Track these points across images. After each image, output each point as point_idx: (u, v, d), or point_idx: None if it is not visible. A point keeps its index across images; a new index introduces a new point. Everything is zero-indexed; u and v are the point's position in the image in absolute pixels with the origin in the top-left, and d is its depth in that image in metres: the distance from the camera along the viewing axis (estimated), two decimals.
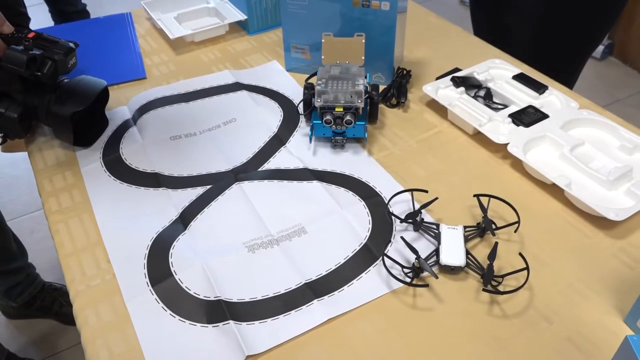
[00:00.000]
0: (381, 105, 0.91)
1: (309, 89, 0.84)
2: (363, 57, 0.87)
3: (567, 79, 1.02)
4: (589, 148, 0.79)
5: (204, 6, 1.16)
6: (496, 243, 0.65)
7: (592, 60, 2.43)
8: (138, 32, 1.14)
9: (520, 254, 0.64)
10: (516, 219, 0.69)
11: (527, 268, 0.62)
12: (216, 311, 0.61)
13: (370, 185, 0.77)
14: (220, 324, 0.60)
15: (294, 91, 0.95)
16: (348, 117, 0.78)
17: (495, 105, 0.88)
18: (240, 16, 1.10)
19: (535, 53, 1.04)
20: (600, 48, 2.40)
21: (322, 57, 0.88)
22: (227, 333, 0.59)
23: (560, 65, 1.01)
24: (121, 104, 0.94)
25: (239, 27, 1.13)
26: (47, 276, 1.51)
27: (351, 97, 0.79)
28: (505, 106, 0.88)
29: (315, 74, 0.86)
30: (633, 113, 2.15)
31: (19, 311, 1.47)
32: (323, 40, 0.87)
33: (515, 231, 0.69)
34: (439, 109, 0.89)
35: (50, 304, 1.45)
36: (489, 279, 0.62)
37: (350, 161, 0.81)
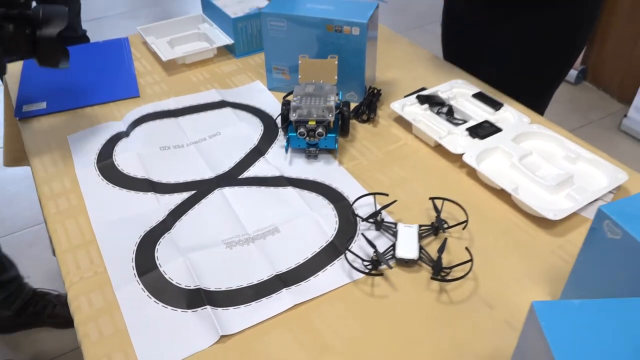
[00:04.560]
0: (353, 121, 1.00)
1: (286, 105, 0.93)
2: (336, 77, 0.96)
3: (537, 108, 1.07)
4: (536, 158, 0.88)
5: (195, 32, 1.26)
6: (445, 239, 0.73)
7: (567, 84, 2.54)
8: (134, 55, 1.24)
9: (466, 248, 0.72)
10: (466, 219, 0.77)
11: (471, 260, 0.70)
12: (195, 298, 0.69)
13: (339, 190, 0.85)
14: (199, 309, 0.68)
15: (275, 108, 1.04)
16: (320, 130, 0.87)
17: (456, 121, 0.97)
18: (228, 40, 1.20)
19: (504, 88, 1.08)
20: (574, 73, 2.52)
21: (299, 76, 0.97)
22: (204, 317, 0.67)
23: (528, 98, 1.05)
24: (115, 119, 1.02)
25: (226, 51, 1.23)
26: (44, 287, 1.57)
27: (323, 112, 0.88)
28: (465, 121, 0.97)
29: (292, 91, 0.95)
30: (605, 133, 2.25)
31: (14, 321, 1.53)
32: (300, 62, 0.96)
33: (463, 229, 0.77)
34: (405, 124, 0.98)
35: (42, 308, 1.51)
36: (438, 269, 0.69)
37: (322, 170, 0.90)
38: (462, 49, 1.22)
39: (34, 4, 0.85)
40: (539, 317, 0.47)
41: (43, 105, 1.06)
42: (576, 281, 0.64)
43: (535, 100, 1.07)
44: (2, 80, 1.18)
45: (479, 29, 1.15)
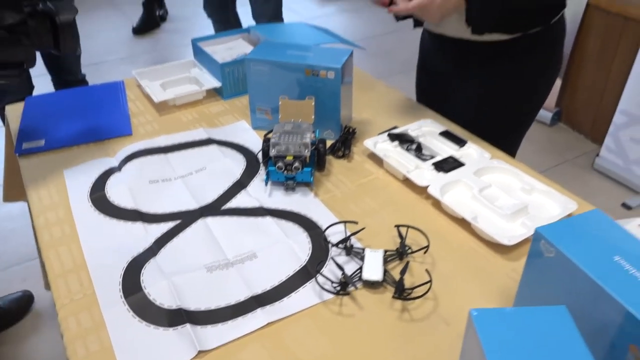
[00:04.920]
0: (329, 156, 1.08)
1: (267, 142, 1.01)
2: (313, 116, 1.05)
3: (507, 150, 1.12)
4: (495, 189, 0.96)
5: (186, 75, 1.36)
6: (407, 262, 0.80)
7: (542, 126, 2.66)
8: (128, 97, 1.33)
9: (427, 271, 0.79)
10: (427, 244, 0.84)
11: (430, 281, 0.76)
12: (176, 317, 0.75)
13: (313, 220, 0.92)
14: (179, 327, 0.73)
15: (257, 145, 1.12)
16: (296, 164, 0.95)
17: (423, 157, 1.05)
18: (216, 84, 1.29)
19: (473, 131, 1.15)
20: (549, 115, 2.64)
21: (279, 116, 1.05)
22: (184, 334, 0.72)
23: (497, 141, 1.12)
24: (109, 155, 1.10)
25: (214, 93, 1.32)
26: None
27: (299, 148, 0.96)
28: (433, 157, 1.05)
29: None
30: (579, 172, 2.35)
31: None
32: (280, 102, 1.05)
33: (424, 253, 0.84)
34: (377, 160, 1.06)
35: None
36: (399, 290, 0.76)
37: (299, 201, 0.97)
38: (433, 95, 1.32)
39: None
40: (474, 322, 0.53)
41: (42, 142, 1.14)
42: (522, 296, 0.70)
43: (504, 142, 1.13)
44: (4, 119, 1.26)
45: (449, 78, 1.25)
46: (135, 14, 4.01)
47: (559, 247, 0.62)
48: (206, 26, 3.93)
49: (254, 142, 1.14)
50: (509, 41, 1.10)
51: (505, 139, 1.15)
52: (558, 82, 2.58)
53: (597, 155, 2.36)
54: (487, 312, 0.55)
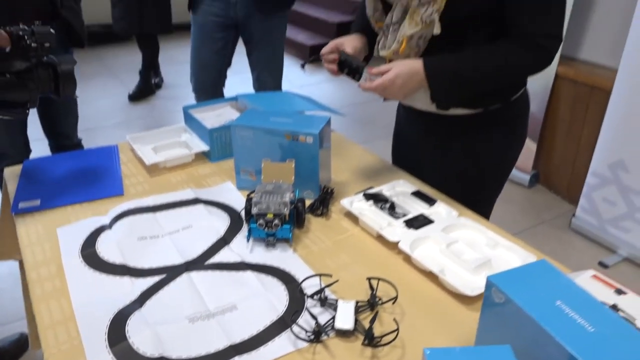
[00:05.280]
0: (308, 215, 1.16)
1: (249, 201, 1.09)
2: (293, 177, 1.13)
3: (481, 213, 1.18)
4: (461, 245, 1.03)
5: (177, 140, 1.45)
6: (377, 312, 0.86)
7: (521, 187, 2.77)
8: (122, 160, 1.41)
9: (395, 320, 0.84)
10: (396, 295, 0.90)
11: (397, 330, 0.82)
12: None
13: (291, 274, 0.98)
14: None
15: (241, 204, 1.19)
16: (276, 221, 1.02)
17: (396, 215, 1.13)
18: (205, 147, 1.39)
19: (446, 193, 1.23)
20: (527, 177, 2.75)
21: (262, 177, 1.14)
22: None
23: (468, 204, 1.19)
24: (101, 214, 1.17)
25: (203, 156, 1.41)
26: None
27: (279, 206, 1.04)
28: (405, 215, 1.12)
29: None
30: (557, 232, 2.43)
31: None
32: (263, 165, 1.14)
33: (393, 303, 0.89)
34: (353, 218, 1.14)
35: None
36: (369, 337, 0.81)
37: (278, 256, 1.03)
38: (407, 160, 1.40)
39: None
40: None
41: (37, 202, 1.21)
42: (480, 340, 0.76)
43: (475, 205, 1.20)
44: (2, 182, 1.34)
45: (420, 146, 1.35)
46: (132, 81, 4.19)
47: (507, 293, 0.68)
48: None
49: (238, 201, 1.21)
50: (473, 115, 1.21)
51: (475, 203, 1.21)
52: (534, 146, 2.71)
53: (574, 215, 2.46)
54: (439, 351, 0.60)
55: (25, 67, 1.11)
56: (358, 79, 1.14)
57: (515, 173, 2.78)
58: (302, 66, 1.42)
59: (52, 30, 1.14)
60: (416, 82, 1.09)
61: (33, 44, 1.10)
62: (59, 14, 1.86)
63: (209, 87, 2.51)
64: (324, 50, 1.20)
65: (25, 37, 1.09)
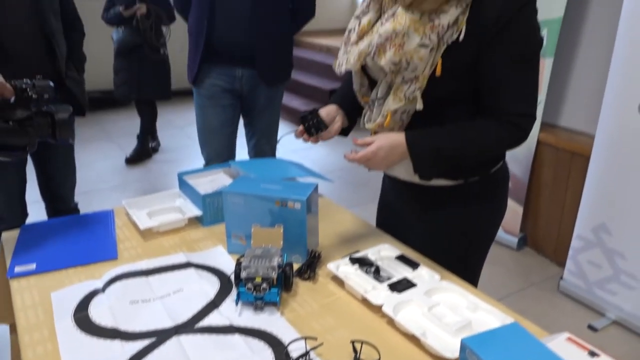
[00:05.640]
0: (296, 278, 1.19)
1: (239, 265, 1.13)
2: (281, 242, 1.17)
3: (467, 280, 1.22)
4: (443, 308, 1.06)
5: (171, 205, 1.51)
6: None
7: (510, 250, 2.81)
8: (117, 224, 1.46)
9: None
10: (378, 357, 0.92)
11: None
12: None
13: (278, 337, 1.01)
14: None
15: (232, 268, 1.23)
16: (264, 285, 1.06)
17: (381, 278, 1.17)
18: (198, 212, 1.44)
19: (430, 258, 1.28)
20: (515, 240, 2.80)
21: (252, 242, 1.18)
22: None
23: (453, 270, 1.22)
24: (94, 278, 1.20)
25: (196, 220, 1.46)
26: None
27: (267, 270, 1.08)
28: (389, 278, 1.16)
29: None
30: (546, 295, 2.46)
31: None
32: (252, 230, 1.19)
33: None
34: (339, 281, 1.18)
35: None
36: None
37: (266, 319, 1.06)
38: (391, 226, 1.45)
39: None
40: None
41: (33, 266, 1.24)
42: None
43: (460, 270, 1.23)
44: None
45: (404, 214, 1.41)
46: (129, 145, 4.30)
47: (480, 354, 0.72)
48: (194, 156, 4.21)
49: (229, 265, 1.25)
50: (455, 187, 1.27)
51: (460, 269, 1.25)
52: (520, 209, 2.78)
53: (561, 278, 2.49)
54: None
55: (26, 116, 1.24)
56: (315, 133, 1.25)
57: (503, 236, 2.83)
58: (277, 141, 1.52)
59: (51, 84, 1.28)
60: (398, 155, 1.16)
61: (34, 95, 1.25)
62: (63, 84, 1.97)
63: (222, 157, 2.44)
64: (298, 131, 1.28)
65: (28, 89, 1.24)
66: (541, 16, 1.18)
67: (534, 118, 1.16)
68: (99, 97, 5.21)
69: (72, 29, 2.06)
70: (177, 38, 4.26)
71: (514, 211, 2.77)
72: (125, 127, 4.92)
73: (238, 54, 2.29)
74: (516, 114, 1.14)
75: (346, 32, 1.25)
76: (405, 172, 1.29)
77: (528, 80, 1.14)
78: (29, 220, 2.11)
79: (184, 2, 2.39)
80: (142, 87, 3.92)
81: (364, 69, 1.26)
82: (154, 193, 1.57)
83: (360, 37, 1.21)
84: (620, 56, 2.15)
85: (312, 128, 1.25)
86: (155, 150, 4.40)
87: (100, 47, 4.34)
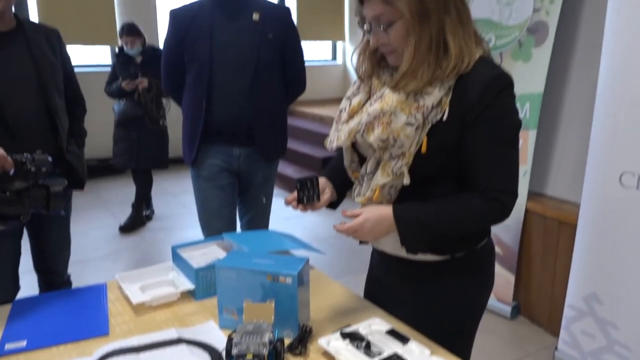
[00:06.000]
0: (287, 354, 1.20)
1: (230, 341, 1.13)
2: (272, 317, 1.19)
3: (458, 351, 1.23)
4: None
5: (164, 278, 1.52)
6: None
7: (504, 319, 2.79)
8: (109, 298, 1.47)
9: None
10: None
11: None
12: None
13: None
14: None
15: (223, 343, 1.23)
16: None
17: (372, 354, 1.17)
18: (190, 286, 1.45)
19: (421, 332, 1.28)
20: (508, 309, 2.79)
21: (244, 317, 1.19)
22: None
23: (443, 344, 1.22)
24: (85, 355, 1.20)
25: (188, 294, 1.47)
26: None
27: (259, 347, 1.09)
28: (380, 353, 1.17)
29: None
30: None
31: None
32: (244, 305, 1.20)
33: None
34: (330, 357, 1.18)
35: None
36: None
37: None
38: (380, 300, 1.45)
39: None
40: None
41: (23, 343, 1.24)
42: None
43: (450, 345, 1.23)
44: None
45: (392, 288, 1.42)
46: (124, 213, 4.32)
47: None
48: (188, 224, 4.23)
49: (220, 340, 1.25)
50: (441, 262, 1.31)
51: (450, 342, 1.25)
52: (512, 278, 2.79)
53: (556, 348, 2.46)
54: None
55: (24, 187, 1.33)
56: (305, 202, 1.29)
57: (496, 304, 2.82)
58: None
59: (49, 158, 1.36)
60: (385, 227, 1.21)
61: (32, 169, 1.35)
62: (64, 158, 2.03)
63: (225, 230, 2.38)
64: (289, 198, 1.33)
65: (27, 162, 1.32)
66: (523, 91, 1.26)
67: (515, 195, 1.22)
68: (96, 165, 5.29)
69: (75, 106, 2.15)
70: (174, 108, 4.39)
71: (506, 280, 2.78)
72: (120, 194, 4.96)
73: (236, 132, 2.30)
74: (498, 190, 1.20)
75: (337, 112, 1.33)
76: (392, 245, 1.32)
77: (507, 159, 1.20)
78: (21, 293, 2.10)
79: (174, 85, 2.39)
80: (141, 157, 4.01)
81: (354, 146, 1.33)
82: (148, 262, 1.59)
83: (351, 116, 1.29)
84: (599, 128, 2.25)
85: (304, 197, 1.30)
86: (149, 218, 4.42)
87: (98, 116, 4.46)
